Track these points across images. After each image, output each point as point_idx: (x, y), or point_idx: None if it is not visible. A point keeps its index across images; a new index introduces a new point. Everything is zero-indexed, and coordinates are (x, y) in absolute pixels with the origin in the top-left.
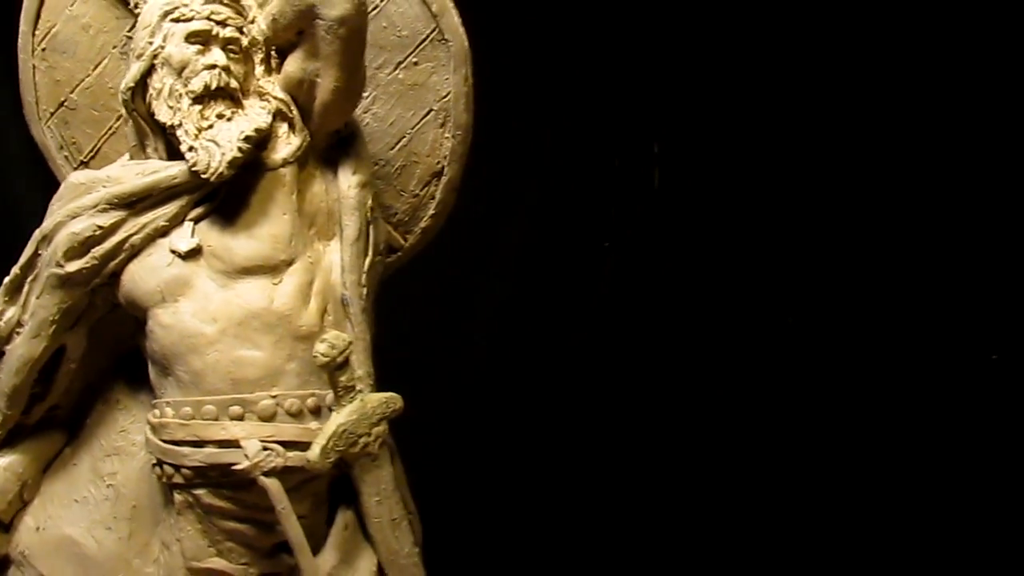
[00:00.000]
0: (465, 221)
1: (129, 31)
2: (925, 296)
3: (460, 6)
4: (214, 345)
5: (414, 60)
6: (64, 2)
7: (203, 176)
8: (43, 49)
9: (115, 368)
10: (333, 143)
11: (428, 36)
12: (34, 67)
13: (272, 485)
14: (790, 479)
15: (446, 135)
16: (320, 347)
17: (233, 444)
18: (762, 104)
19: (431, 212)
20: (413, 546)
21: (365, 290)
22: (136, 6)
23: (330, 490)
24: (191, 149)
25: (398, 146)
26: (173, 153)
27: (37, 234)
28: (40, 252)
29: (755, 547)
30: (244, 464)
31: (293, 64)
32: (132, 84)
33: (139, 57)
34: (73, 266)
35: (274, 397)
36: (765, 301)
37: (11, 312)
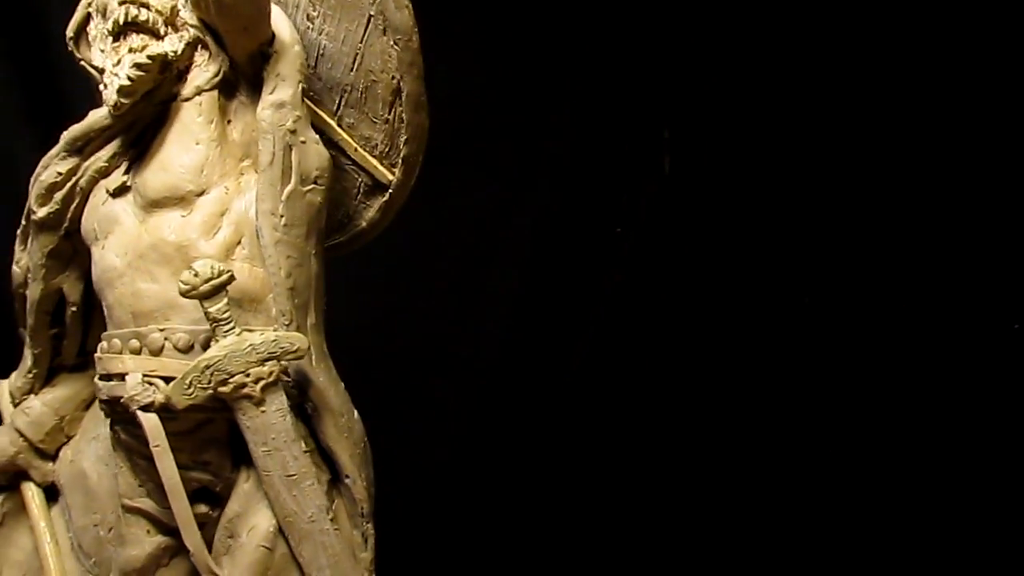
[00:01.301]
0: (476, 209)
1: None
2: (942, 275)
3: None
4: (121, 278)
5: None
6: None
7: (107, 106)
8: None
9: None
10: (261, 64)
11: None
12: None
13: (148, 420)
14: (808, 463)
15: (390, 43)
16: (184, 275)
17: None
18: (772, 87)
19: (404, 137)
20: (323, 511)
21: (282, 220)
22: None
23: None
24: (104, 86)
25: (355, 67)
26: None
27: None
28: (29, 203)
29: (772, 531)
30: (124, 397)
31: None
32: (72, 33)
33: (80, 6)
34: (42, 211)
35: (162, 330)
36: (780, 283)
37: (24, 259)
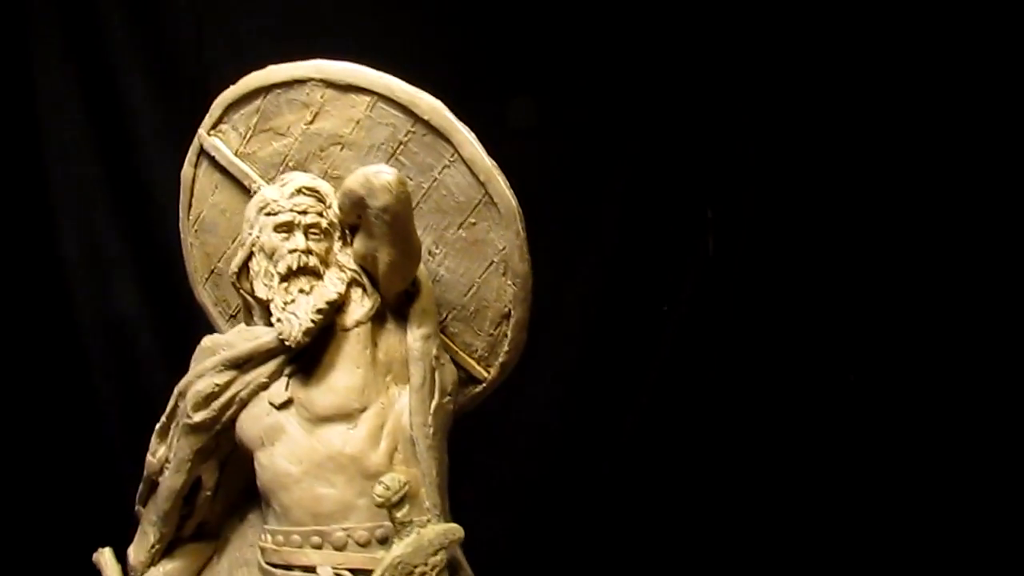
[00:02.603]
0: (529, 296)
1: None
2: (985, 358)
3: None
4: (299, 484)
5: (472, 221)
6: (206, 193)
7: (286, 343)
8: (195, 230)
9: (249, 489)
10: (404, 299)
11: (480, 201)
12: (191, 244)
13: None
14: (854, 536)
15: (508, 283)
16: (377, 488)
17: (312, 570)
18: (813, 168)
19: (505, 349)
20: None
21: (431, 430)
22: (255, 193)
23: None
24: (278, 320)
25: (470, 293)
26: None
27: (176, 390)
28: (179, 404)
29: None
30: None
31: (358, 242)
32: (236, 269)
33: (242, 245)
34: (198, 417)
35: (345, 529)
36: (825, 360)
37: (161, 451)
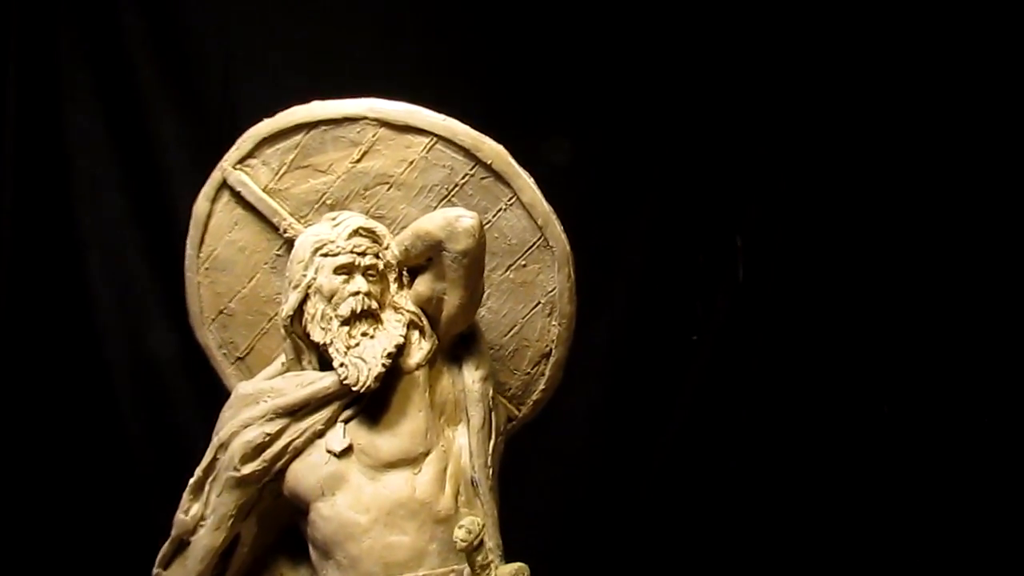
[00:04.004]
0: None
1: (278, 250)
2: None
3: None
4: (368, 533)
5: (523, 263)
6: (223, 229)
7: (353, 388)
8: (206, 268)
9: (277, 542)
10: (457, 341)
11: (535, 244)
12: (199, 283)
13: None
14: (885, 565)
15: (553, 323)
16: (459, 533)
17: None
18: (846, 194)
19: (541, 387)
20: None
21: (491, 471)
22: (285, 231)
23: None
24: (342, 365)
25: (510, 333)
26: (324, 364)
27: (215, 441)
28: (218, 457)
29: None
30: None
31: (423, 284)
32: (291, 312)
33: (295, 287)
34: (247, 469)
35: None
36: (859, 391)
37: (195, 508)
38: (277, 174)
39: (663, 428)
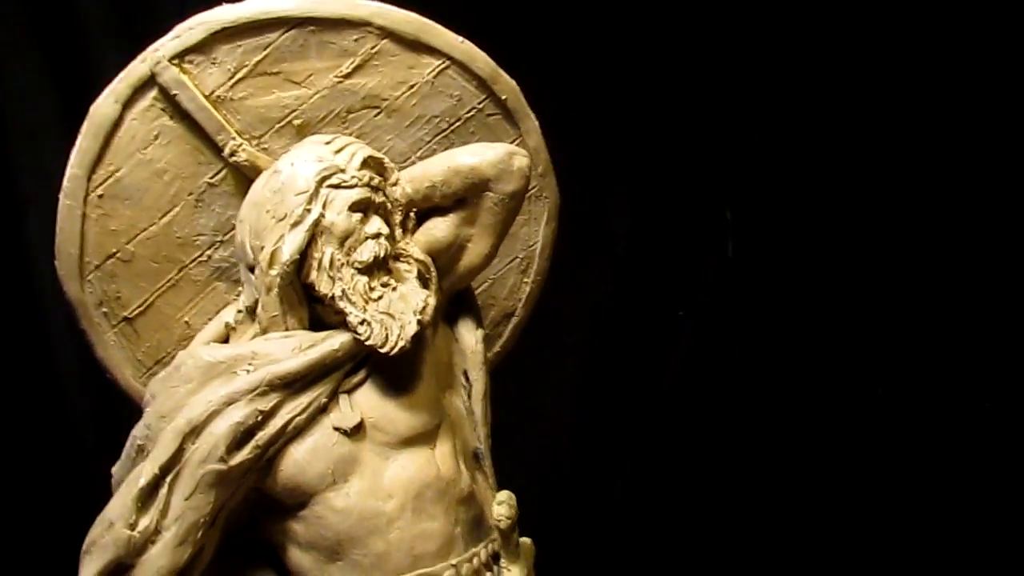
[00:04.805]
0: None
1: (212, 178)
2: (1014, 365)
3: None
4: (395, 523)
5: None
6: (136, 144)
7: (381, 350)
8: (100, 196)
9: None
10: (452, 297)
11: (530, 193)
12: (83, 215)
13: None
14: (878, 553)
15: (526, 280)
16: (501, 510)
17: None
18: (834, 169)
19: (495, 349)
20: None
21: (490, 439)
22: (233, 154)
23: None
24: (363, 323)
25: (478, 290)
26: (316, 324)
27: (181, 427)
28: (186, 447)
29: None
30: None
31: (445, 228)
32: (297, 255)
33: (295, 225)
34: (236, 459)
35: (454, 566)
36: (851, 370)
37: (147, 519)
38: (232, 78)
39: (649, 403)
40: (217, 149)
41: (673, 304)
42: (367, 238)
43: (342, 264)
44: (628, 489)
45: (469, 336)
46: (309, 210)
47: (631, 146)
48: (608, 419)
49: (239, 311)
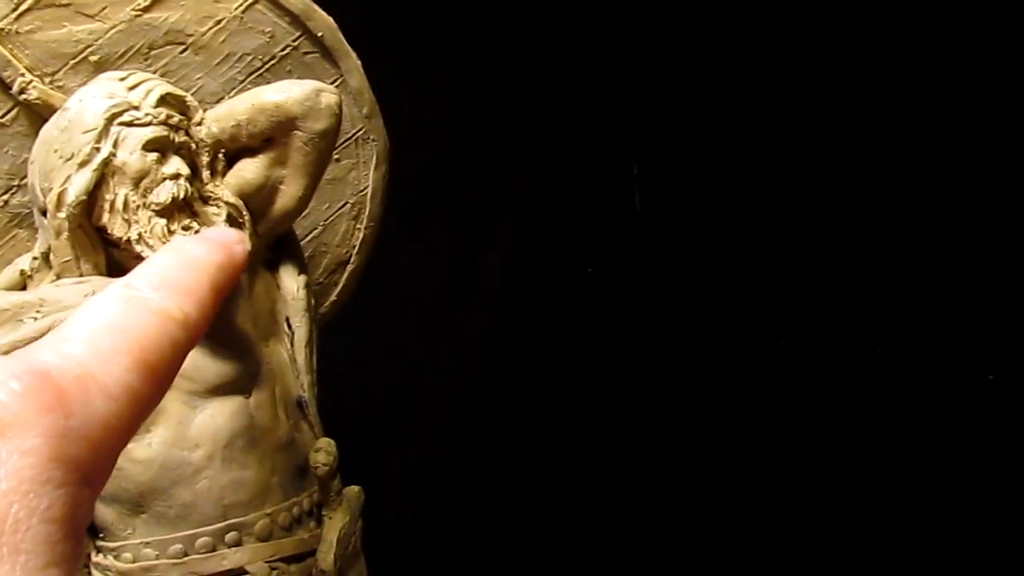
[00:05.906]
0: (441, 250)
1: (2, 117)
2: (919, 316)
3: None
4: (202, 472)
5: (336, 157)
6: None
7: None
8: None
9: None
10: (271, 242)
11: (354, 135)
12: None
13: None
14: (784, 509)
15: (359, 226)
16: (319, 457)
17: (239, 572)
18: (743, 121)
19: (332, 298)
20: None
21: (315, 388)
22: (23, 90)
23: None
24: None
25: (309, 237)
26: (113, 269)
27: None
28: None
29: None
30: None
31: (254, 170)
32: (83, 196)
33: (81, 164)
34: None
35: (269, 515)
36: (755, 323)
37: None
38: (16, 10)
39: (557, 361)
40: (5, 87)
41: (581, 260)
42: (165, 179)
43: (138, 206)
44: (537, 447)
45: (291, 282)
46: (98, 149)
47: (538, 104)
48: (516, 380)
49: (34, 258)
